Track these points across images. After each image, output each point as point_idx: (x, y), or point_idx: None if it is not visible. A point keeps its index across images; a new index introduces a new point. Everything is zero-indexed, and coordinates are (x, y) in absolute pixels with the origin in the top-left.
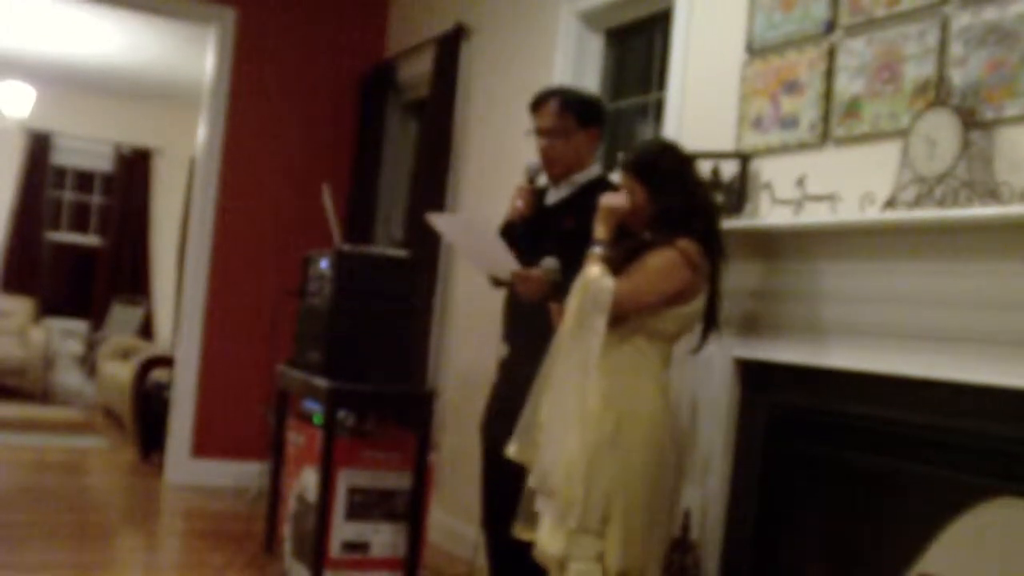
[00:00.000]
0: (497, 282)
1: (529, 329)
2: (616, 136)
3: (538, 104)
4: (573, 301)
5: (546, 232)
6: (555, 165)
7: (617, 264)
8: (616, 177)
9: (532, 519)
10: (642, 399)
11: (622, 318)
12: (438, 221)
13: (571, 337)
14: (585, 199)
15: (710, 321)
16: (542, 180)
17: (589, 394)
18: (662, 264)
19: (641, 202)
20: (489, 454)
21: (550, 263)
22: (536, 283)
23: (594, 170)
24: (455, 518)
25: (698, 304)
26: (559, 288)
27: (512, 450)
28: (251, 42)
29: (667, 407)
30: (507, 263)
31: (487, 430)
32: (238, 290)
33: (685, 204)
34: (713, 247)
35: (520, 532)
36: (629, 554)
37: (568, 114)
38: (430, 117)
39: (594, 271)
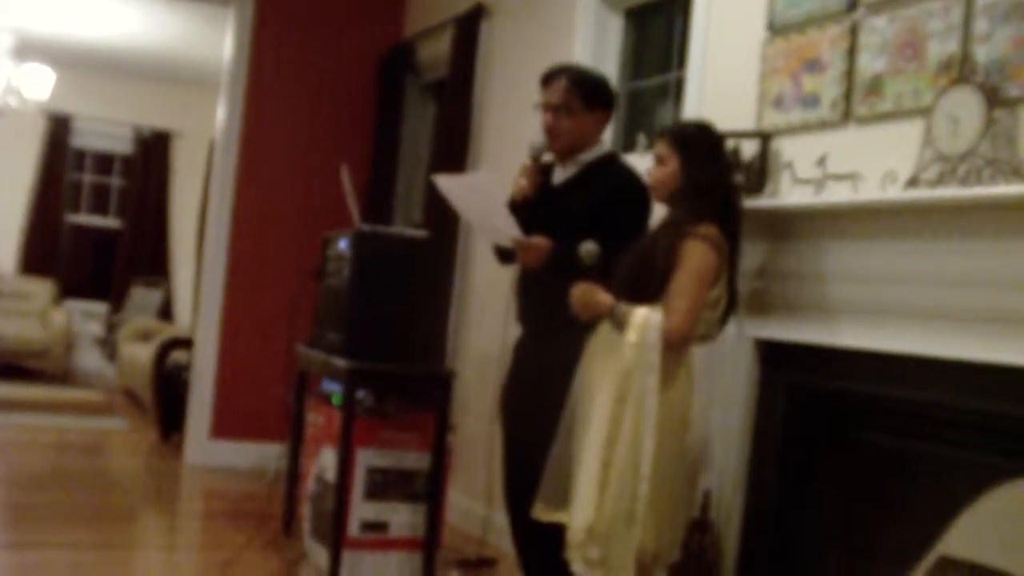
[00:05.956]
0: (503, 257)
1: (541, 309)
2: (635, 116)
3: (548, 79)
4: (629, 346)
5: (553, 211)
6: (557, 140)
7: (633, 274)
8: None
9: (552, 500)
10: (671, 383)
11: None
12: (444, 183)
13: (626, 379)
14: (592, 178)
15: (730, 302)
16: (547, 158)
17: (648, 436)
18: (699, 267)
19: (672, 170)
20: (507, 436)
21: (591, 247)
22: (537, 252)
23: (601, 148)
24: (473, 499)
25: (721, 285)
26: (594, 272)
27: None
28: (270, 23)
29: (692, 390)
30: (509, 229)
31: (504, 413)
32: (257, 271)
33: (713, 178)
34: (731, 228)
35: (540, 513)
36: (664, 535)
37: (575, 93)
38: (449, 98)
39: (640, 311)
